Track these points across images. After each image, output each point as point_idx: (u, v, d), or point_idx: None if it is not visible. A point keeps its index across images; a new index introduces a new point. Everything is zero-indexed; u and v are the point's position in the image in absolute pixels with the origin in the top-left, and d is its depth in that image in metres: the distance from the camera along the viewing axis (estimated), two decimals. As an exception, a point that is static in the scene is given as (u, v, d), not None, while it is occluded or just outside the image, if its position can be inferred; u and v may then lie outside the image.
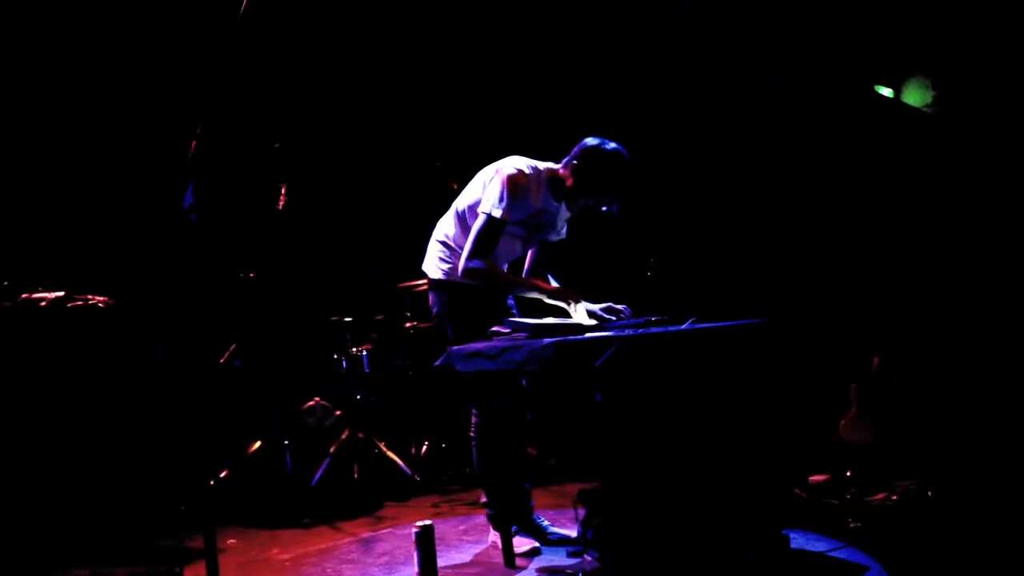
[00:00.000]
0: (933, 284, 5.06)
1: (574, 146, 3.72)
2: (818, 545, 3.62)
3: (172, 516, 4.63)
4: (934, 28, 5.24)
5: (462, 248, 3.69)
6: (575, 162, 3.67)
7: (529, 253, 4.02)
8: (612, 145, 3.66)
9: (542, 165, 3.76)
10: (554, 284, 3.96)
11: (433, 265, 3.90)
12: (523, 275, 4.03)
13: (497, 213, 3.59)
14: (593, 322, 3.53)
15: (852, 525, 3.84)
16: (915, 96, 5.41)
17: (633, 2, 5.78)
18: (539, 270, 4.04)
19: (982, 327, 4.83)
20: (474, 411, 3.86)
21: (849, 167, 5.37)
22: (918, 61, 5.39)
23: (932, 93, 5.33)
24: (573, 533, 3.78)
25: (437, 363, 3.54)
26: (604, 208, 3.70)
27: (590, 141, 3.68)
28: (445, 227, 3.90)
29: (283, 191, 5.45)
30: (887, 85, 5.47)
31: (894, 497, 4.05)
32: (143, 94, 5.46)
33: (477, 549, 3.97)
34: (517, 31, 6.01)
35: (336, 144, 6.29)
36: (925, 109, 5.35)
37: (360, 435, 5.41)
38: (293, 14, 5.74)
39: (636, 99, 5.82)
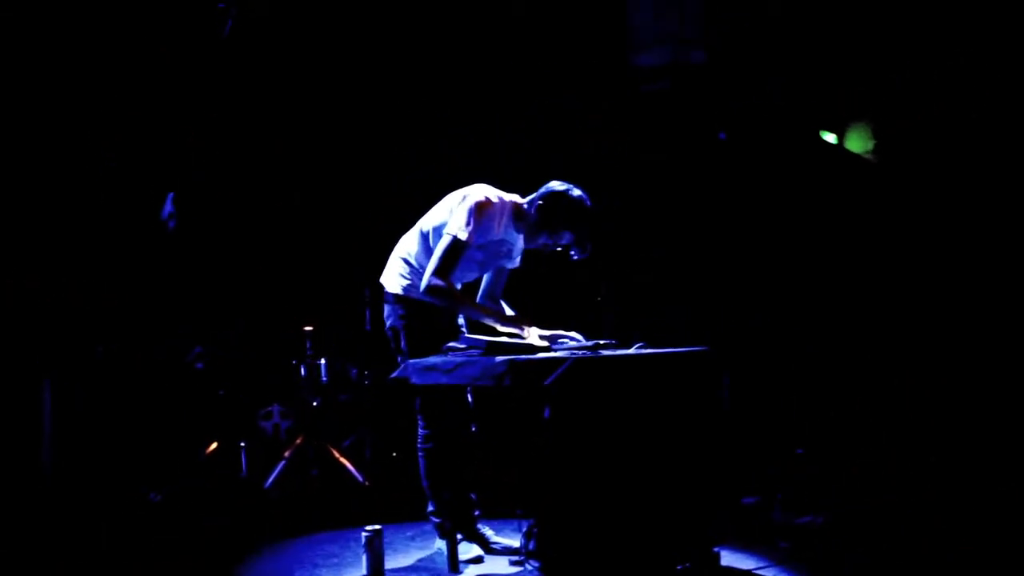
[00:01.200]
0: (868, 318, 5.21)
1: (541, 187, 3.78)
2: (748, 563, 3.70)
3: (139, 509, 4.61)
4: (877, 75, 5.41)
5: (423, 267, 3.74)
6: (540, 202, 3.74)
7: (484, 278, 4.08)
8: (577, 193, 3.72)
9: (507, 197, 3.81)
10: (508, 311, 4.02)
11: (393, 280, 3.92)
12: (477, 298, 4.07)
13: (463, 236, 3.63)
14: (546, 343, 3.59)
15: (781, 545, 3.93)
16: (857, 143, 5.56)
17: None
18: (493, 295, 4.09)
19: (915, 355, 4.99)
20: (420, 422, 3.90)
21: (792, 204, 5.51)
22: (861, 109, 5.55)
23: (873, 141, 5.49)
24: (516, 543, 3.81)
25: (394, 375, 3.58)
26: (559, 249, 3.77)
27: (556, 185, 3.74)
28: (408, 245, 3.93)
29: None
30: (832, 131, 5.62)
31: (821, 519, 4.15)
32: (142, 93, 5.42)
33: (423, 554, 4.00)
34: (509, 29, 6.03)
35: (295, 151, 6.27)
36: (866, 156, 5.51)
37: (314, 441, 5.42)
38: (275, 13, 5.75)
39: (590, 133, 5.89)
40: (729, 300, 5.52)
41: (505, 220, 3.79)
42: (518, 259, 4.03)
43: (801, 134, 5.57)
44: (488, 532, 3.97)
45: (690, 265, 5.69)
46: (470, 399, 3.93)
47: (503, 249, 3.88)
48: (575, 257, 3.76)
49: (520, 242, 3.91)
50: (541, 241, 3.78)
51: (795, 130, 5.56)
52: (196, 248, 5.66)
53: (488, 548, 3.91)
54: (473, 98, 6.14)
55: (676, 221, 5.77)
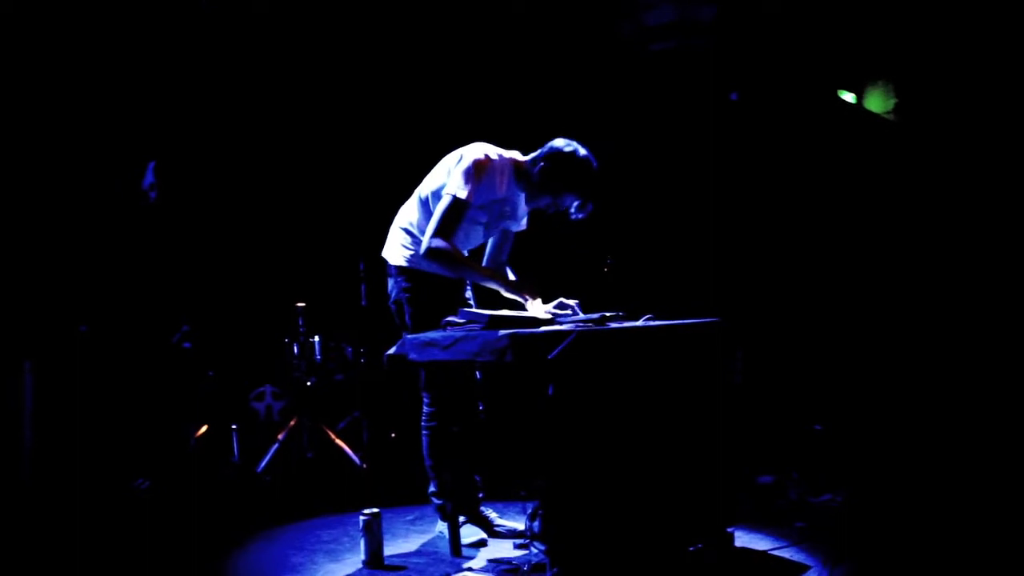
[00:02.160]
0: (885, 285, 5.19)
1: (544, 144, 3.75)
2: (763, 543, 3.71)
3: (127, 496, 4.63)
4: (898, 35, 5.36)
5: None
6: (543, 163, 3.71)
7: (489, 242, 4.06)
8: (583, 153, 3.68)
9: (507, 153, 3.79)
10: (512, 277, 4.01)
11: (395, 251, 3.91)
12: (483, 264, 4.05)
13: (462, 195, 3.61)
14: (548, 316, 3.58)
15: (797, 524, 3.93)
16: (877, 102, 5.52)
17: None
18: (498, 260, 4.07)
19: (935, 330, 4.97)
20: (425, 399, 3.89)
21: (809, 170, 5.48)
22: (881, 67, 5.50)
23: (893, 100, 5.45)
24: (520, 526, 3.85)
25: (390, 352, 3.57)
26: (563, 209, 3.74)
27: (560, 144, 3.71)
28: (408, 214, 3.91)
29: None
30: (850, 90, 5.58)
31: (838, 498, 4.16)
32: (121, 60, 5.39)
33: (424, 538, 4.02)
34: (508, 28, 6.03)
35: (295, 126, 6.27)
36: (886, 115, 5.47)
37: (309, 422, 5.43)
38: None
39: (601, 94, 5.87)
40: (742, 269, 5.51)
41: (507, 178, 3.77)
42: (524, 220, 4.01)
43: (818, 94, 5.53)
44: (492, 515, 3.98)
45: (701, 233, 5.67)
46: (478, 375, 3.93)
47: (507, 208, 3.87)
48: (575, 217, 3.74)
49: (523, 201, 3.90)
50: (544, 202, 3.77)
51: (811, 89, 5.52)
52: (182, 221, 5.65)
53: (492, 531, 3.92)
54: (470, 58, 6.10)
55: (686, 187, 5.74)
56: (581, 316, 3.58)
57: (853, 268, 5.30)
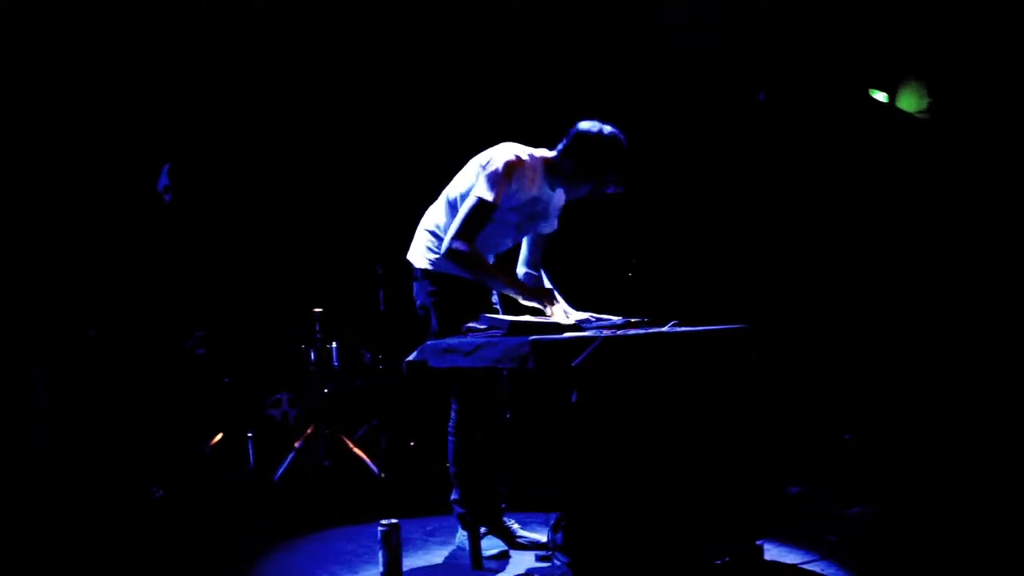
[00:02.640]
0: (917, 290, 5.14)
1: (567, 133, 3.72)
2: (793, 557, 3.67)
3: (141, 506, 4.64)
4: (931, 34, 5.31)
5: None
6: (570, 148, 3.68)
7: (523, 245, 4.03)
8: (608, 129, 3.66)
9: (537, 152, 3.76)
10: (547, 281, 3.99)
11: (420, 255, 3.89)
12: (517, 268, 4.03)
13: (489, 197, 3.59)
14: (571, 321, 3.56)
15: (829, 537, 3.89)
16: (910, 101, 5.47)
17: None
18: (532, 263, 4.04)
19: (969, 336, 4.91)
20: (454, 406, 3.88)
21: (837, 170, 5.44)
22: (914, 66, 5.45)
23: (927, 100, 5.40)
24: (543, 537, 3.79)
25: (410, 358, 3.55)
26: (606, 191, 3.71)
27: (584, 125, 3.68)
28: (435, 216, 3.89)
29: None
30: (882, 89, 5.54)
31: (870, 510, 4.11)
32: (130, 61, 5.42)
33: (444, 551, 3.99)
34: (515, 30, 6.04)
35: (309, 127, 6.27)
36: (919, 115, 5.42)
37: (326, 430, 5.42)
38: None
39: (624, 99, 5.85)
40: (770, 274, 5.46)
41: (538, 177, 3.74)
42: (555, 220, 3.99)
43: (848, 93, 5.48)
44: (514, 525, 3.96)
45: (727, 237, 5.63)
46: (507, 383, 3.91)
47: (538, 208, 3.83)
48: (612, 192, 3.70)
49: (557, 199, 3.87)
50: (585, 190, 3.73)
51: (842, 88, 5.48)
52: (196, 225, 5.66)
53: (514, 543, 3.90)
54: (490, 56, 6.10)
55: (711, 190, 5.71)
56: (605, 322, 3.56)
57: (884, 272, 5.24)
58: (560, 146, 3.74)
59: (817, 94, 5.49)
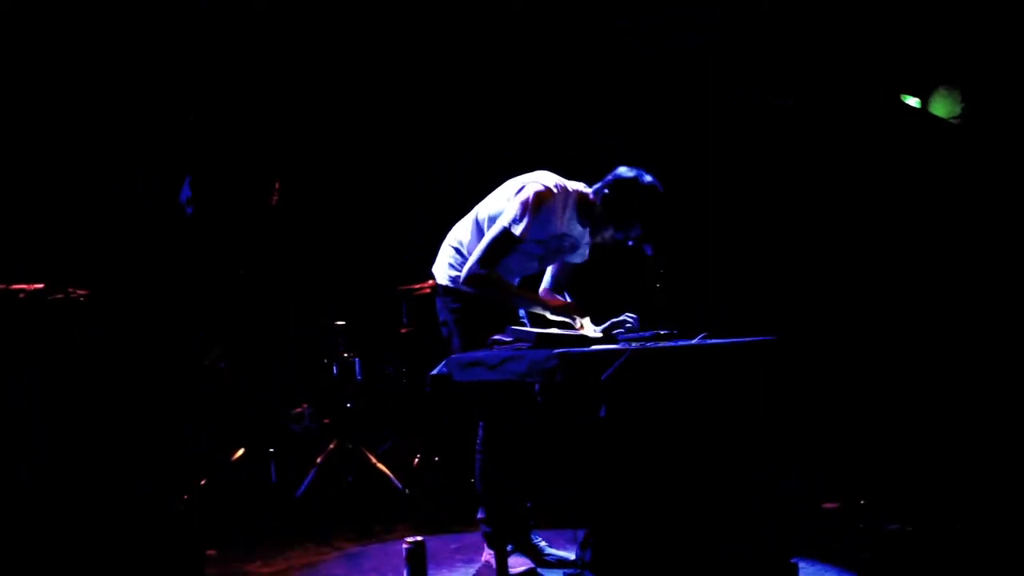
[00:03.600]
0: (955, 301, 5.09)
1: (608, 173, 3.71)
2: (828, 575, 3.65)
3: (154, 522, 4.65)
4: (965, 39, 5.28)
5: None
6: (606, 191, 3.66)
7: (549, 269, 4.04)
8: (648, 179, 3.63)
9: (571, 186, 3.75)
10: (567, 299, 3.99)
11: (443, 270, 3.91)
12: (540, 289, 4.04)
13: (516, 230, 3.59)
14: (600, 334, 3.56)
15: (867, 556, 3.86)
16: (943, 107, 5.45)
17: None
18: (558, 288, 4.05)
19: (1008, 346, 4.87)
20: (481, 423, 3.88)
21: (867, 179, 5.41)
22: (947, 72, 5.42)
23: (960, 105, 5.37)
24: (571, 555, 3.80)
25: (434, 372, 3.56)
26: (631, 243, 3.69)
27: (625, 172, 3.66)
28: (460, 233, 3.91)
29: (276, 187, 5.48)
30: (914, 95, 5.51)
31: (911, 527, 4.07)
32: (138, 81, 5.48)
33: (469, 569, 3.99)
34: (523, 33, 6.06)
35: (335, 141, 6.31)
36: (952, 120, 5.39)
37: (349, 445, 5.43)
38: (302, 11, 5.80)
39: (624, 100, 5.84)
40: (801, 284, 5.43)
41: (568, 212, 3.73)
42: (586, 251, 3.99)
43: (880, 98, 5.46)
44: (542, 543, 3.95)
45: (756, 247, 5.61)
46: (538, 398, 3.90)
47: (565, 244, 3.84)
48: (648, 252, 3.68)
49: (587, 235, 3.86)
50: (608, 234, 3.71)
51: (873, 94, 5.45)
52: (218, 238, 5.69)
53: (541, 560, 3.89)
54: (490, 56, 6.11)
55: (740, 199, 5.69)
56: (634, 335, 3.55)
57: (921, 279, 5.20)
58: (597, 186, 3.73)
59: (845, 98, 5.46)
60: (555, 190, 3.67)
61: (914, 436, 4.86)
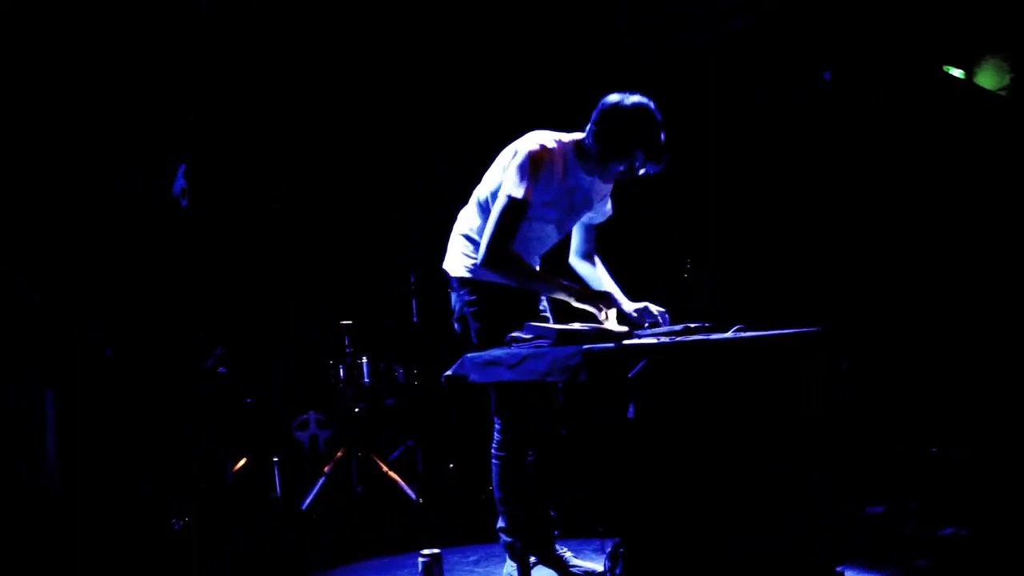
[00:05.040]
0: (1007, 291, 5.01)
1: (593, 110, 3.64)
2: (877, 585, 3.58)
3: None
4: (1012, 3, 5.20)
5: None
6: (595, 127, 3.60)
7: (574, 237, 3.99)
8: (634, 99, 3.56)
9: (567, 137, 3.70)
10: (602, 270, 3.94)
11: (455, 262, 3.85)
12: (569, 260, 4.00)
13: (519, 193, 3.53)
14: (625, 329, 3.47)
15: (917, 563, 3.78)
16: (989, 78, 5.36)
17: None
18: (585, 253, 4.00)
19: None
20: (496, 424, 3.80)
21: (914, 158, 5.33)
22: (995, 38, 5.34)
23: (1009, 75, 5.29)
24: (599, 567, 3.74)
25: (449, 372, 3.48)
26: (640, 172, 3.61)
27: (610, 98, 3.59)
28: (467, 219, 3.85)
29: (276, 194, 5.47)
30: (959, 66, 5.43)
31: (963, 532, 4.00)
32: (138, 81, 5.47)
33: (490, 583, 3.94)
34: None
35: (335, 141, 6.29)
36: (1001, 92, 5.30)
37: (358, 453, 5.39)
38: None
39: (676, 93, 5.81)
40: (843, 272, 5.36)
41: (569, 164, 3.68)
42: (608, 206, 3.93)
43: (922, 70, 5.37)
44: (567, 554, 3.89)
45: (793, 232, 5.54)
46: (560, 397, 3.83)
47: (577, 199, 3.77)
48: (652, 172, 3.60)
49: (597, 186, 3.80)
50: (616, 170, 3.63)
51: (915, 66, 5.36)
52: (216, 233, 5.66)
53: (567, 573, 3.83)
54: (514, 69, 6.15)
55: (773, 181, 5.62)
56: (663, 328, 3.47)
57: (970, 264, 5.12)
58: (588, 126, 3.65)
59: (888, 72, 5.38)
60: (550, 144, 3.62)
61: (966, 433, 4.78)
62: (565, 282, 3.66)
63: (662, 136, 3.56)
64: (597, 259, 3.98)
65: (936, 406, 4.98)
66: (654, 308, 3.64)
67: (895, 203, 5.38)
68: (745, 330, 3.39)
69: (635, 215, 3.87)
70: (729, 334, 3.35)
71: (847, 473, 3.91)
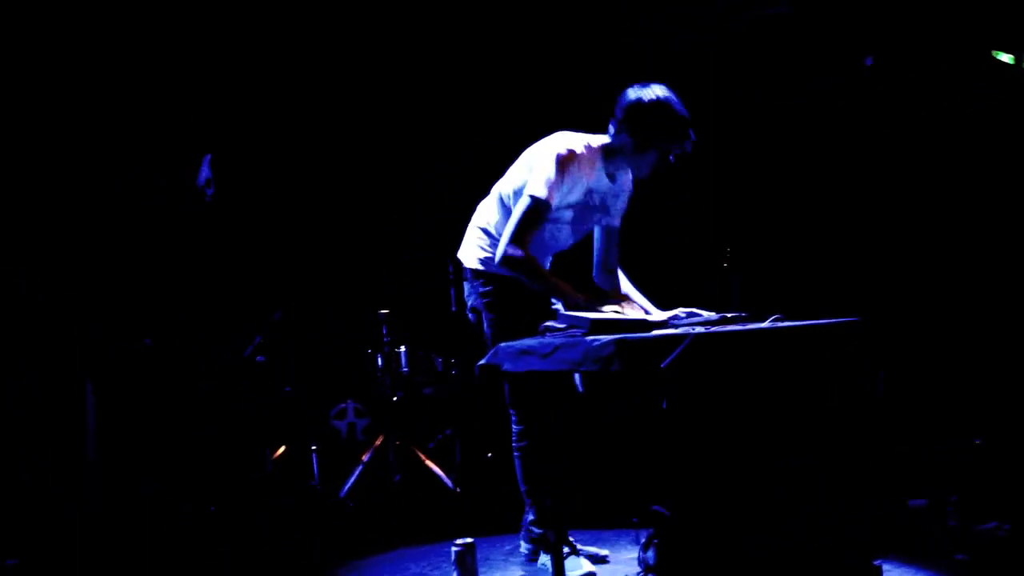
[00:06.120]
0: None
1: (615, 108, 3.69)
2: (916, 579, 3.57)
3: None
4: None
5: None
6: (623, 122, 3.65)
7: (596, 248, 4.01)
8: (656, 89, 3.62)
9: (595, 141, 3.75)
10: (625, 283, 3.96)
11: (471, 253, 3.93)
12: (593, 273, 4.02)
13: (542, 194, 3.58)
14: (662, 317, 3.49)
15: (958, 557, 3.78)
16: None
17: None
18: (608, 267, 4.02)
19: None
20: (512, 416, 3.86)
21: (959, 145, 5.28)
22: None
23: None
24: (603, 552, 3.94)
25: (482, 362, 3.54)
26: (675, 160, 3.67)
27: (632, 93, 3.64)
28: (486, 213, 3.92)
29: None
30: (1008, 51, 5.36)
31: (1007, 526, 3.97)
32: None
33: (524, 572, 3.98)
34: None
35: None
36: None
37: (396, 442, 5.44)
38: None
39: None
40: (883, 260, 5.32)
41: (596, 168, 3.74)
42: (620, 211, 3.96)
43: (969, 54, 5.31)
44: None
45: (833, 221, 5.51)
46: (579, 387, 3.86)
47: (594, 201, 3.82)
48: (678, 154, 3.65)
49: (618, 190, 3.86)
50: (651, 161, 3.68)
51: (961, 50, 5.31)
52: (252, 224, 5.73)
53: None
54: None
55: (813, 169, 5.60)
56: (699, 318, 3.49)
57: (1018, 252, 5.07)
58: (612, 125, 3.70)
59: (933, 56, 5.33)
60: (578, 149, 3.68)
61: (1011, 424, 4.74)
62: (579, 295, 3.66)
63: (688, 119, 3.61)
64: (621, 274, 4.01)
65: (981, 398, 4.94)
66: (684, 313, 3.64)
67: (936, 195, 5.34)
68: (783, 320, 3.41)
69: (671, 205, 3.87)
70: (766, 324, 3.37)
71: (888, 465, 3.90)
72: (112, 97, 5.23)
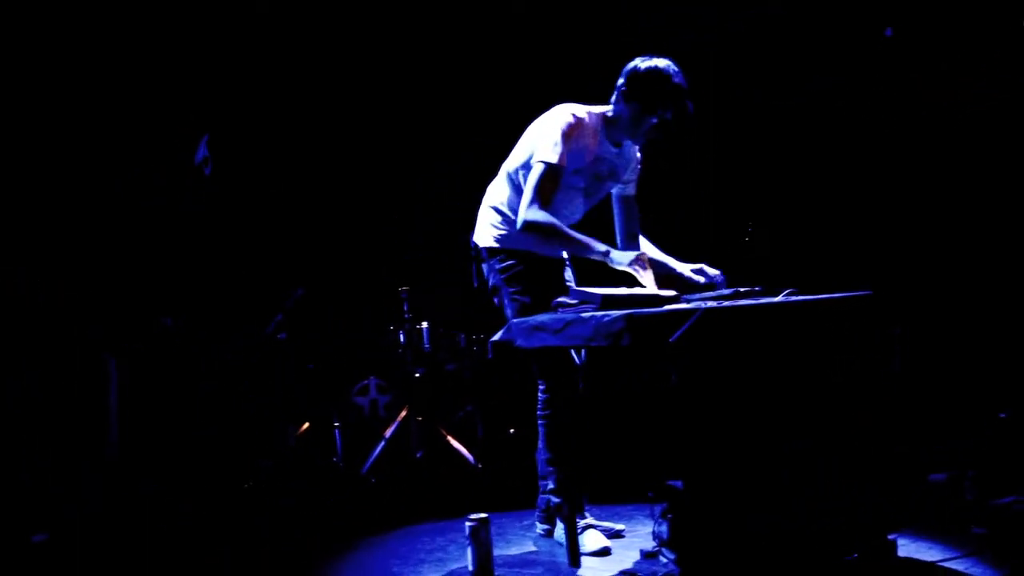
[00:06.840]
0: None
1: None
2: (932, 553, 3.57)
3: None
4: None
5: (516, 213, 3.75)
6: (624, 89, 3.76)
7: (616, 219, 4.09)
8: (656, 59, 3.73)
9: (596, 109, 3.85)
10: (648, 246, 4.02)
11: (485, 233, 4.01)
12: (617, 240, 4.09)
13: (554, 159, 3.68)
14: (672, 293, 3.52)
15: (975, 531, 3.78)
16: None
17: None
18: (628, 234, 4.09)
19: None
20: (540, 386, 3.92)
21: (982, 120, 5.24)
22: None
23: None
24: (618, 526, 4.00)
25: (496, 338, 3.60)
26: (671, 126, 3.75)
27: (633, 62, 3.76)
28: (496, 192, 4.01)
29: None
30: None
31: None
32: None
33: (539, 546, 4.03)
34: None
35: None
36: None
37: (418, 418, 5.49)
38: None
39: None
40: (900, 233, 5.30)
41: (599, 135, 3.84)
42: (632, 183, 4.05)
43: (995, 24, 5.26)
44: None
45: (852, 195, 5.49)
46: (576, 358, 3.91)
47: (603, 169, 3.91)
48: (681, 125, 3.73)
49: (624, 157, 3.94)
50: (645, 129, 3.77)
51: (988, 19, 5.26)
52: (273, 203, 5.78)
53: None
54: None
55: (833, 142, 5.57)
56: (712, 293, 3.53)
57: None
58: (614, 95, 3.80)
59: (958, 27, 5.28)
60: (582, 115, 3.79)
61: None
62: (598, 242, 3.71)
63: (685, 86, 3.70)
64: (643, 238, 4.08)
65: (1002, 368, 4.92)
66: (711, 270, 3.80)
67: (955, 169, 5.31)
68: (796, 294, 3.42)
69: (694, 178, 3.90)
70: (779, 298, 3.38)
71: (905, 438, 3.90)
72: (112, 96, 5.28)
